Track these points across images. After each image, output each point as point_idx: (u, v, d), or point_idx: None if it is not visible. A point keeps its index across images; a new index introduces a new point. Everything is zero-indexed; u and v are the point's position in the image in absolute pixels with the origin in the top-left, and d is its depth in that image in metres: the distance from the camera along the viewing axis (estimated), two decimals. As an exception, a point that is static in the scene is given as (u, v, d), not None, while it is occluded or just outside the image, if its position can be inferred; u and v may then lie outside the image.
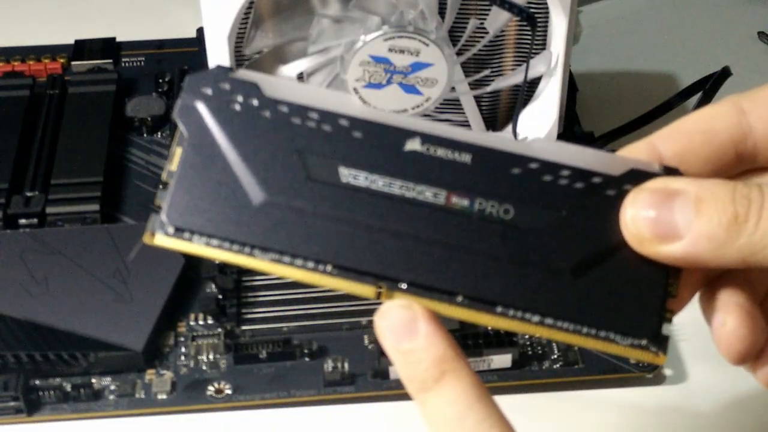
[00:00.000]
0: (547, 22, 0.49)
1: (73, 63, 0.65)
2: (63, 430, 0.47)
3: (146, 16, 0.72)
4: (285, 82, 0.32)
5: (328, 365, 0.48)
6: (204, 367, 0.48)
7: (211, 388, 0.48)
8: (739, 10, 0.72)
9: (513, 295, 0.31)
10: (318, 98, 0.32)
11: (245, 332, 0.49)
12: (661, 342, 0.31)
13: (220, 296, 0.50)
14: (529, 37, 0.49)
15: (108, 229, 0.53)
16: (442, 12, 0.47)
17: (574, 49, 0.50)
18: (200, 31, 0.65)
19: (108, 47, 0.66)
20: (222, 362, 0.49)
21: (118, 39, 0.67)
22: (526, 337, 0.50)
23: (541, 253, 0.31)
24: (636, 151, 0.31)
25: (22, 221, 0.54)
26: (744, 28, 0.70)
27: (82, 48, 0.66)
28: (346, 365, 0.48)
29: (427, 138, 0.31)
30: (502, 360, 0.48)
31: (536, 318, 0.31)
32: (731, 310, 0.31)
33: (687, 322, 0.52)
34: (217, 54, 0.47)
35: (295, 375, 0.48)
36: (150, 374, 0.48)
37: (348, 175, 0.31)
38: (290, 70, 0.49)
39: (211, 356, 0.49)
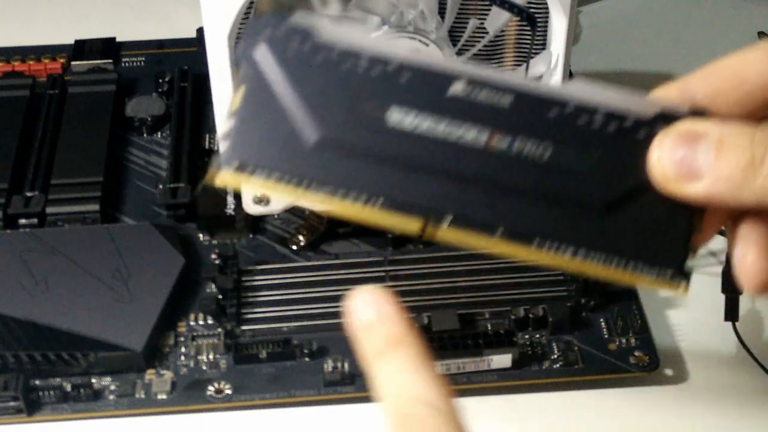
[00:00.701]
0: (547, 22, 0.49)
1: (73, 63, 0.65)
2: (63, 430, 0.47)
3: (146, 16, 0.72)
4: (337, 28, 0.34)
5: (328, 365, 0.48)
6: (204, 367, 0.48)
7: (211, 388, 0.48)
8: (739, 10, 0.72)
9: (549, 230, 0.33)
10: (368, 44, 0.33)
11: (245, 332, 0.49)
12: (686, 275, 0.33)
13: (220, 296, 0.50)
14: (529, 37, 0.49)
15: (108, 229, 0.53)
16: (442, 12, 0.47)
17: (574, 49, 0.50)
18: (200, 31, 0.65)
19: (108, 47, 0.66)
20: (222, 362, 0.49)
21: (118, 39, 0.67)
22: (526, 337, 0.50)
23: (576, 191, 0.33)
24: (670, 91, 0.33)
25: (22, 221, 0.54)
26: (744, 28, 0.70)
27: (82, 48, 0.66)
28: (346, 365, 0.48)
29: (470, 81, 0.33)
30: (502, 360, 0.48)
31: (570, 252, 0.33)
32: (752, 245, 0.32)
33: (687, 323, 0.52)
34: (217, 54, 0.47)
35: (295, 375, 0.48)
36: (150, 374, 0.48)
37: (395, 117, 0.33)
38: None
39: (211, 356, 0.49)
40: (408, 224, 0.33)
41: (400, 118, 0.33)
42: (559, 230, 0.33)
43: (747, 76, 0.32)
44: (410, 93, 0.33)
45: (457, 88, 0.33)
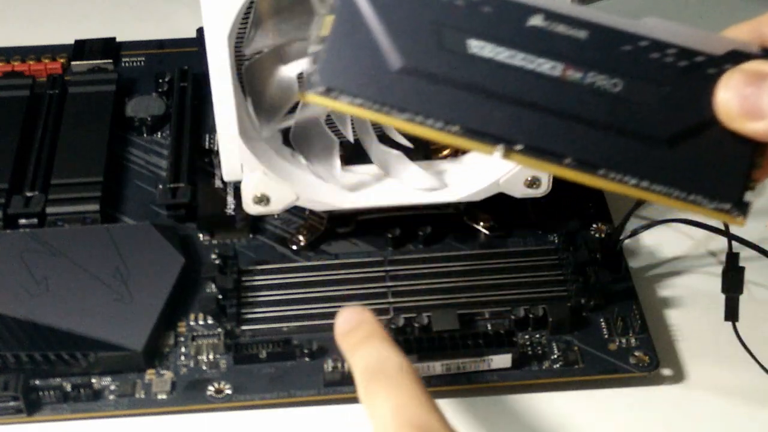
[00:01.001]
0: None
1: (73, 63, 0.65)
2: (63, 430, 0.47)
3: (146, 16, 0.72)
4: None
5: (328, 365, 0.48)
6: (204, 367, 0.48)
7: (211, 388, 0.48)
8: (739, 10, 0.72)
9: (614, 160, 0.35)
10: None
11: (245, 332, 0.49)
12: (743, 207, 0.35)
13: (220, 296, 0.50)
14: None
15: (108, 229, 0.53)
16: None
17: (574, 49, 0.50)
18: (200, 31, 0.65)
19: (108, 47, 0.66)
20: (222, 362, 0.49)
21: (118, 39, 0.67)
22: (526, 337, 0.50)
23: (643, 124, 0.35)
24: (742, 30, 0.35)
25: (22, 221, 0.54)
26: (744, 28, 0.70)
27: (82, 48, 0.66)
28: (346, 365, 0.48)
29: (549, 14, 0.35)
30: (502, 360, 0.48)
31: (633, 181, 0.35)
32: None
33: (687, 323, 0.52)
34: (217, 54, 0.47)
35: (295, 375, 0.48)
36: (150, 374, 0.48)
37: (476, 46, 0.35)
38: (290, 70, 0.49)
39: (211, 356, 0.49)
40: (482, 149, 0.35)
41: (481, 46, 0.35)
42: (624, 161, 0.35)
43: None
44: (491, 23, 0.35)
45: (536, 20, 0.35)
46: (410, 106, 0.35)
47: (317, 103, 0.36)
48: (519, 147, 0.35)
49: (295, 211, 0.54)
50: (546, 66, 0.35)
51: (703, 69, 0.34)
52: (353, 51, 0.35)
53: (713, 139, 0.34)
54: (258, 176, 0.49)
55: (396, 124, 0.35)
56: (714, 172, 0.35)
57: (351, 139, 0.49)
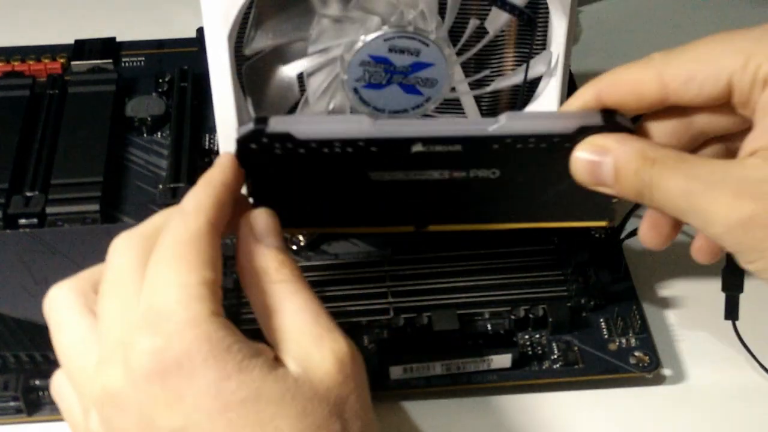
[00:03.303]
0: (547, 22, 0.49)
1: (73, 63, 0.65)
2: (63, 430, 0.47)
3: (146, 16, 0.72)
4: (310, 123, 0.42)
5: (328, 365, 0.48)
6: (204, 367, 0.48)
7: (211, 388, 0.47)
8: (739, 10, 0.72)
9: (509, 215, 0.45)
10: (338, 129, 0.41)
11: (245, 332, 0.49)
12: (611, 216, 0.45)
13: (220, 296, 0.50)
14: (529, 37, 0.49)
15: (108, 229, 0.53)
16: (442, 12, 0.47)
17: (574, 49, 0.50)
18: (200, 31, 0.65)
19: (108, 47, 0.66)
20: (222, 362, 0.48)
21: (118, 39, 0.67)
22: (526, 337, 0.50)
23: (524, 191, 0.44)
24: (584, 95, 0.42)
25: (22, 221, 0.54)
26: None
27: (82, 48, 0.66)
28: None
29: (426, 141, 0.41)
30: (502, 360, 0.48)
31: (528, 221, 0.45)
32: (646, 217, 0.45)
33: (687, 323, 0.52)
34: (217, 54, 0.47)
35: (295, 375, 0.48)
36: (150, 374, 0.48)
37: (376, 176, 0.43)
38: (290, 70, 0.49)
39: (211, 356, 0.49)
40: (404, 229, 0.46)
41: (380, 175, 0.43)
42: (515, 213, 0.45)
43: (644, 94, 0.41)
44: (382, 159, 0.42)
45: (417, 147, 0.41)
46: (338, 222, 0.46)
47: None
48: (431, 223, 0.46)
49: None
50: (435, 174, 0.43)
51: (560, 145, 0.41)
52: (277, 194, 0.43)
53: (581, 189, 0.42)
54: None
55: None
56: (587, 203, 0.43)
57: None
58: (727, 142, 0.43)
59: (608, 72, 0.42)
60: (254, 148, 0.41)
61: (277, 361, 0.37)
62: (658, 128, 0.43)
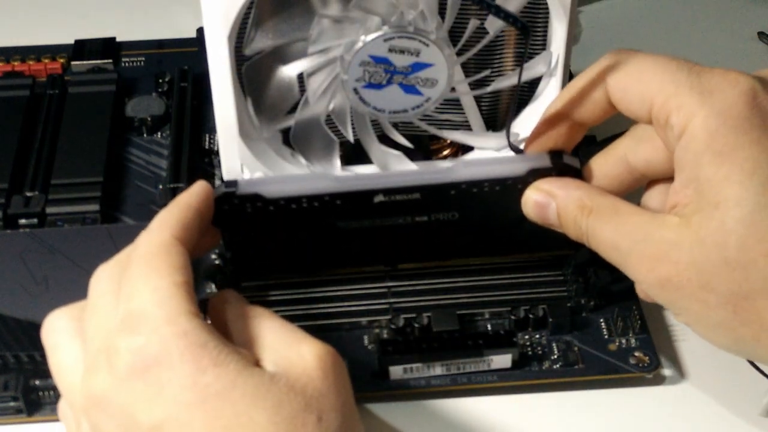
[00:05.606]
0: (547, 22, 0.49)
1: (73, 63, 0.65)
2: (63, 430, 0.47)
3: (146, 16, 0.72)
4: (277, 182, 0.46)
5: (328, 365, 0.48)
6: (204, 367, 0.48)
7: (211, 388, 0.47)
8: (739, 10, 0.72)
9: (474, 251, 0.51)
10: (304, 187, 0.45)
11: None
12: (575, 246, 0.45)
13: (220, 296, 0.50)
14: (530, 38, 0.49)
15: (108, 229, 0.53)
16: (442, 12, 0.47)
17: (574, 49, 0.50)
18: (200, 31, 0.65)
19: (108, 47, 0.66)
20: (222, 362, 0.49)
21: (118, 39, 0.67)
22: (526, 337, 0.50)
23: (486, 228, 0.48)
24: (539, 139, 0.46)
25: (22, 221, 0.54)
26: (744, 28, 0.70)
27: (82, 48, 0.66)
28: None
29: (386, 192, 0.46)
30: (502, 360, 0.48)
31: (491, 257, 0.51)
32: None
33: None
34: (217, 54, 0.47)
35: (295, 375, 0.48)
36: (150, 374, 0.48)
37: (343, 224, 0.47)
38: (290, 70, 0.49)
39: (211, 356, 0.49)
40: (375, 270, 0.51)
41: (346, 224, 0.47)
42: (477, 248, 0.50)
43: (621, 179, 0.44)
44: (347, 210, 0.46)
45: (379, 198, 0.46)
46: (312, 269, 0.51)
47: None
48: (399, 263, 0.51)
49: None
50: (399, 219, 0.47)
51: (514, 187, 0.45)
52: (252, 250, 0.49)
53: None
54: (258, 176, 0.49)
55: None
56: (545, 237, 0.46)
57: (351, 139, 0.49)
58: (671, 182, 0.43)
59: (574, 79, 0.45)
60: (226, 209, 0.45)
61: (255, 365, 0.37)
62: (603, 170, 0.45)
